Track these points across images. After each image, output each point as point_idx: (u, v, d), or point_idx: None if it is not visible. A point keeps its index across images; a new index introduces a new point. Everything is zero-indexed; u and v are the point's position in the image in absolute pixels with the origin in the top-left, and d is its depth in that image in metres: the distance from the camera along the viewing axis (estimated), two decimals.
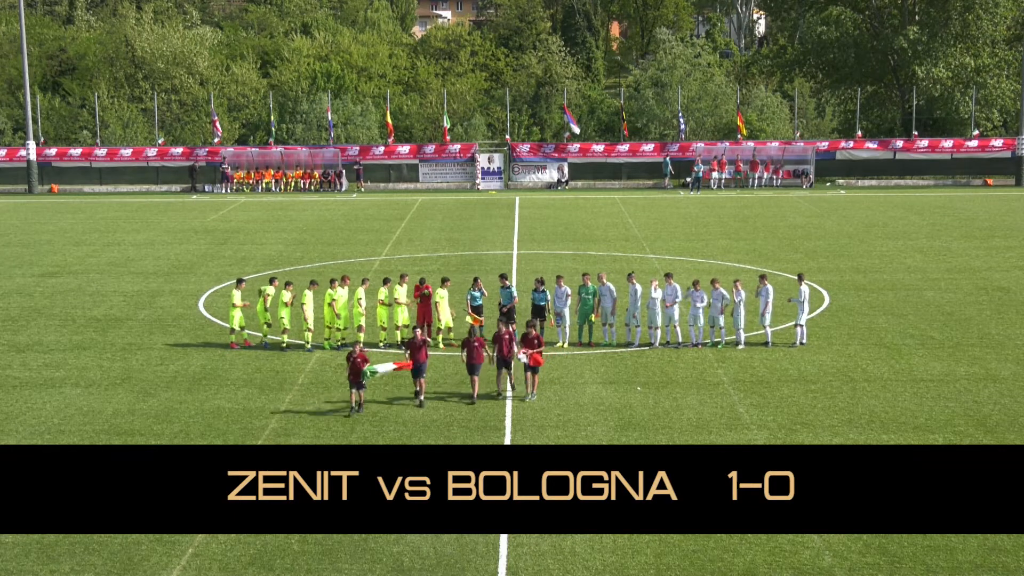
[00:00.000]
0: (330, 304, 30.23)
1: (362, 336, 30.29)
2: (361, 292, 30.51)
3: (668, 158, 76.03)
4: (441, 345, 30.40)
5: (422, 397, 25.10)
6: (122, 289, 39.73)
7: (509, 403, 25.40)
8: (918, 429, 23.47)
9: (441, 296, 30.68)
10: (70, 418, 24.74)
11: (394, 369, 25.06)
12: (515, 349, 25.45)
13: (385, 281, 31.28)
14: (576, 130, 79.42)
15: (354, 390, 24.70)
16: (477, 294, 31.12)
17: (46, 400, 26.11)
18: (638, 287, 30.41)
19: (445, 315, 30.61)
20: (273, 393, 26.44)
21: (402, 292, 30.67)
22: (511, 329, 25.90)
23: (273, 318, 30.79)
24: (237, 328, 30.76)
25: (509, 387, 25.77)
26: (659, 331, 30.32)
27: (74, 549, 17.97)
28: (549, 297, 30.76)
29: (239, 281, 31.87)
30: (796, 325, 30.58)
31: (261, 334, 31.08)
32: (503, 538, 18.19)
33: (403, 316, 30.51)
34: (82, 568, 17.38)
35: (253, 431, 23.65)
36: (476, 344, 25.28)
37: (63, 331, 33.18)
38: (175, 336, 32.45)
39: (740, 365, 28.54)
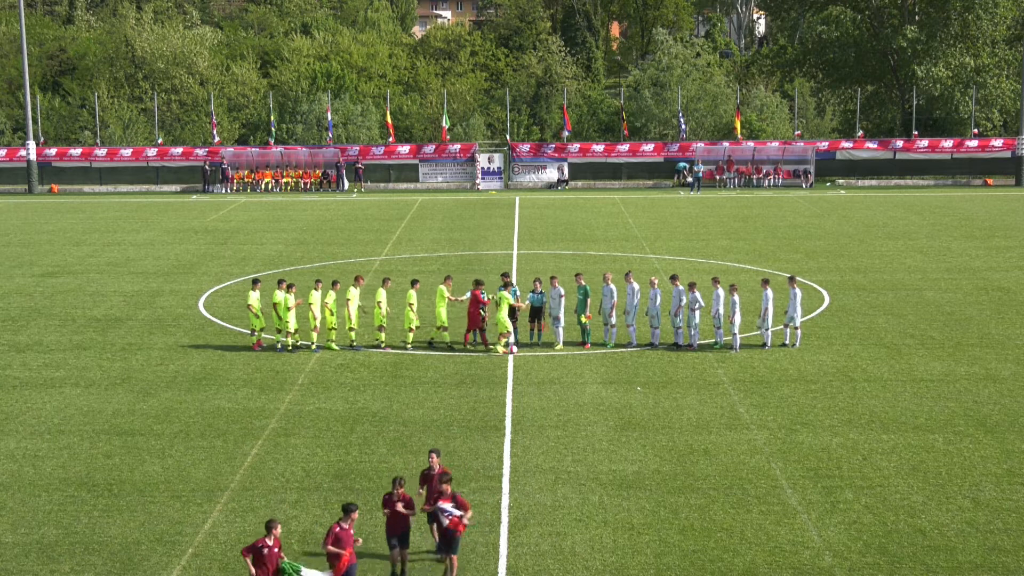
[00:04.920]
0: (346, 303, 30.13)
1: (383, 335, 30.23)
2: (382, 294, 30.23)
3: (682, 161, 76.16)
4: (501, 349, 29.76)
5: None
6: (122, 289, 39.72)
7: (509, 402, 25.43)
8: (918, 429, 23.48)
9: (507, 299, 29.73)
10: (70, 418, 24.73)
11: None
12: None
13: (414, 283, 31.04)
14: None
15: None
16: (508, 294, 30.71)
17: (46, 400, 26.10)
18: (635, 286, 30.40)
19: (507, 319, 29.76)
20: (273, 393, 26.42)
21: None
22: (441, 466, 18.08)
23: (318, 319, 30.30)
24: (258, 329, 30.67)
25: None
26: (659, 331, 30.32)
27: (74, 549, 17.97)
28: (546, 299, 30.75)
29: (255, 281, 31.74)
30: (787, 327, 30.55)
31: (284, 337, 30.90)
32: (503, 538, 18.20)
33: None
34: (82, 568, 17.37)
35: (253, 431, 23.65)
36: (400, 502, 16.82)
37: (63, 331, 33.17)
38: (175, 336, 32.43)
39: (740, 365, 28.53)
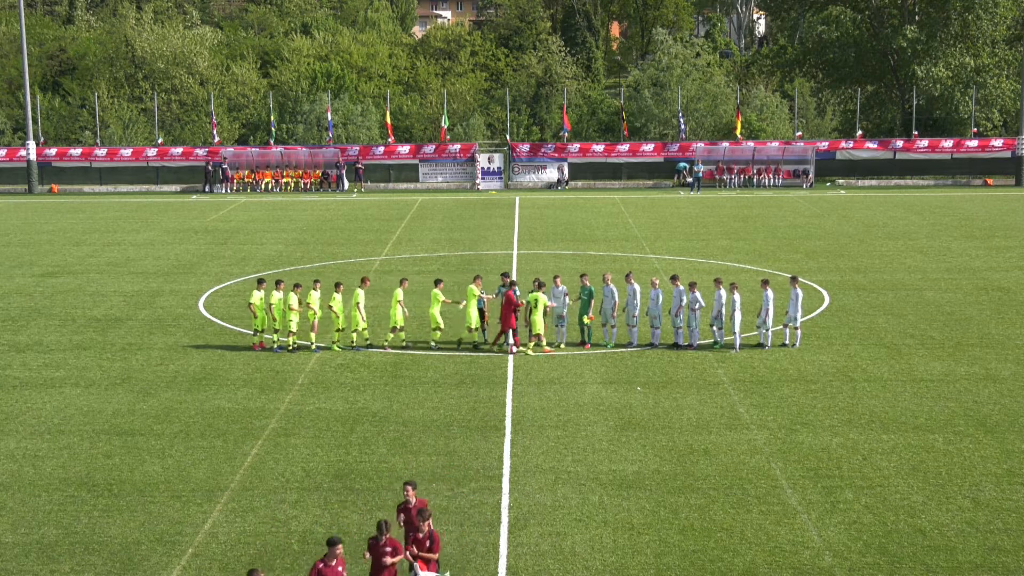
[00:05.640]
0: (355, 305, 30.10)
1: (391, 336, 30.22)
2: (400, 293, 30.13)
3: (682, 161, 76.17)
4: (532, 351, 29.70)
5: None
6: (122, 289, 39.72)
7: (509, 402, 25.42)
8: (918, 429, 23.47)
9: (543, 300, 29.65)
10: (70, 418, 24.73)
11: None
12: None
13: (437, 282, 30.92)
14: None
15: None
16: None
17: (46, 400, 26.10)
18: (636, 286, 30.40)
19: (541, 323, 29.64)
20: (273, 393, 26.42)
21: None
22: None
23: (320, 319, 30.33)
24: (259, 330, 30.62)
25: None
26: (659, 331, 30.32)
27: (74, 549, 17.97)
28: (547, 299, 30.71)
29: (260, 281, 31.67)
30: (787, 327, 30.53)
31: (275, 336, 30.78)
32: (503, 538, 18.20)
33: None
34: (82, 568, 17.36)
35: (253, 431, 23.65)
36: (389, 547, 15.35)
37: (63, 331, 33.17)
38: (175, 336, 32.43)
39: (740, 365, 28.53)
